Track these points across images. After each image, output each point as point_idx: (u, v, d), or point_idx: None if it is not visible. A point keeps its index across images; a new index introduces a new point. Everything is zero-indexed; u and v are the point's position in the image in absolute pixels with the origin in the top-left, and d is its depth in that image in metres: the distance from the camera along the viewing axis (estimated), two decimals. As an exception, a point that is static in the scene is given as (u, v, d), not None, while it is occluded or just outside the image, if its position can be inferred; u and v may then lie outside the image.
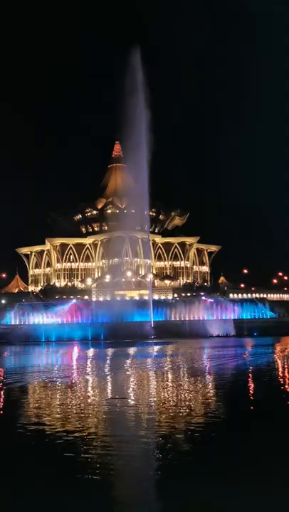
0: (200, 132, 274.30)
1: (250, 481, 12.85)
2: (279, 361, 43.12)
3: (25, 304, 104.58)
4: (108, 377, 34.95)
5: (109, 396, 26.67)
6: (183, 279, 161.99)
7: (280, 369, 37.12)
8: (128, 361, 45.99)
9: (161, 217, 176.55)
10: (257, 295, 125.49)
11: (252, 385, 29.06)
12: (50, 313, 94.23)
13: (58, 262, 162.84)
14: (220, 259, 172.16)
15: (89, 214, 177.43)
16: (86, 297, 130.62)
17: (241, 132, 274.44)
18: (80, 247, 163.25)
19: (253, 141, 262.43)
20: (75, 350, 63.30)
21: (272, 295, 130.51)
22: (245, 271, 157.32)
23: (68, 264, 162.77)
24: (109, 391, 28.62)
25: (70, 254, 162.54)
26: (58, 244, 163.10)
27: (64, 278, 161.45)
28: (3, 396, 26.94)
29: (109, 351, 59.06)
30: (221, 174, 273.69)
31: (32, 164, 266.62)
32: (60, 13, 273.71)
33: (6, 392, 27.76)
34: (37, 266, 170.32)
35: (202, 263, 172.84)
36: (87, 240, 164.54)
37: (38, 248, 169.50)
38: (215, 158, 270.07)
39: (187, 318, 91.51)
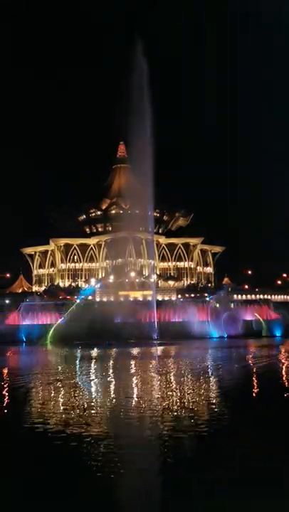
0: (203, 132, 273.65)
1: (257, 487, 12.72)
2: (284, 361, 42.98)
3: (29, 303, 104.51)
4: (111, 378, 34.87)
5: (115, 396, 26.60)
6: (187, 280, 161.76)
7: (284, 369, 36.97)
8: (132, 362, 45.92)
9: (165, 217, 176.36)
10: (261, 296, 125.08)
11: (258, 386, 28.93)
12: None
13: (61, 262, 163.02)
14: (224, 260, 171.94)
15: (93, 214, 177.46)
16: (90, 297, 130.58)
17: (246, 132, 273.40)
18: (83, 247, 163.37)
19: (257, 141, 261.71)
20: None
21: (276, 296, 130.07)
22: (250, 272, 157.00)
23: (72, 264, 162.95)
24: (115, 392, 28.55)
25: (74, 254, 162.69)
26: (61, 244, 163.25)
27: (68, 278, 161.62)
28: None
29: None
30: (225, 174, 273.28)
31: (36, 164, 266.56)
32: (66, 10, 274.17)
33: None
34: (41, 266, 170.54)
35: (206, 264, 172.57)
36: (91, 241, 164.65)
37: (42, 248, 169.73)
38: (219, 158, 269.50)
39: (191, 319, 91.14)
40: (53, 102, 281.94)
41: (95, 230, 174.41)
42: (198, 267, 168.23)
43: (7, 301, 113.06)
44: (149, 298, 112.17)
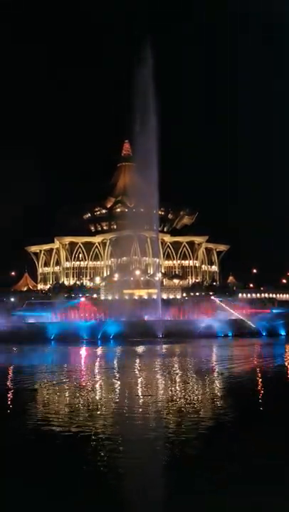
0: (209, 130, 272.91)
1: (258, 487, 12.73)
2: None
3: (33, 301, 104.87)
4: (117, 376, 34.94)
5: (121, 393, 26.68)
6: (192, 279, 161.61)
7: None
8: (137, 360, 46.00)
9: (170, 216, 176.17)
10: (266, 295, 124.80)
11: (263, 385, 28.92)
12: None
13: (66, 260, 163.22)
14: (229, 258, 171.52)
15: (98, 213, 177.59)
16: (95, 295, 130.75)
17: (252, 130, 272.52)
18: (88, 245, 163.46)
19: (264, 138, 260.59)
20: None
21: (281, 295, 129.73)
22: (255, 270, 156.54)
23: (77, 262, 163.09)
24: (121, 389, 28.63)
25: (79, 252, 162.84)
26: (66, 242, 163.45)
27: (73, 276, 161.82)
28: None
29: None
30: (230, 173, 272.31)
31: (41, 163, 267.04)
32: (76, 10, 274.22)
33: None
34: (46, 264, 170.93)
35: (211, 262, 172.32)
36: (96, 239, 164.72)
37: (47, 247, 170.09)
38: (224, 156, 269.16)
39: (196, 318, 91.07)
40: (55, 102, 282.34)
41: (99, 229, 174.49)
42: (203, 266, 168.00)
43: (12, 299, 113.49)
44: (154, 296, 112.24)
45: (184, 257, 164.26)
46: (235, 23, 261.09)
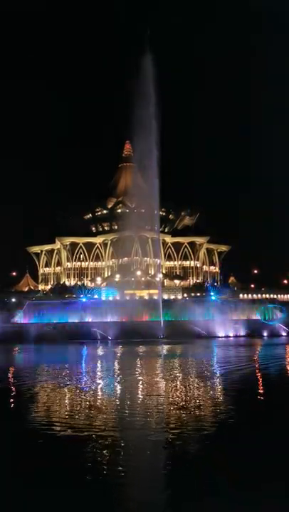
0: (210, 131, 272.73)
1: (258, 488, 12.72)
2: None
3: (34, 302, 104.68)
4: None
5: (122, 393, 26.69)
6: (193, 279, 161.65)
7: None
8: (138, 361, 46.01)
9: (171, 216, 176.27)
10: (267, 295, 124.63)
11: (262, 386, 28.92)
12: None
13: (68, 261, 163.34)
14: (230, 259, 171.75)
15: (99, 213, 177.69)
16: (95, 296, 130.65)
17: (253, 130, 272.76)
18: (90, 246, 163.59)
19: (265, 139, 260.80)
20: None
21: (282, 296, 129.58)
22: (256, 271, 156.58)
23: (78, 263, 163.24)
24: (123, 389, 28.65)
25: (80, 253, 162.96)
26: (68, 243, 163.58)
27: (74, 277, 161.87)
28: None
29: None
30: (231, 174, 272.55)
31: (42, 163, 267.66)
32: (68, 15, 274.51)
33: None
34: (47, 265, 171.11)
35: (212, 263, 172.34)
36: (97, 239, 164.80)
37: (48, 247, 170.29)
38: (225, 157, 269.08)
39: (197, 319, 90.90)
40: (55, 102, 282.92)
41: (101, 229, 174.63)
42: (204, 266, 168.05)
43: (13, 300, 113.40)
44: (155, 297, 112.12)
45: (185, 258, 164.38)
46: (236, 22, 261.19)
